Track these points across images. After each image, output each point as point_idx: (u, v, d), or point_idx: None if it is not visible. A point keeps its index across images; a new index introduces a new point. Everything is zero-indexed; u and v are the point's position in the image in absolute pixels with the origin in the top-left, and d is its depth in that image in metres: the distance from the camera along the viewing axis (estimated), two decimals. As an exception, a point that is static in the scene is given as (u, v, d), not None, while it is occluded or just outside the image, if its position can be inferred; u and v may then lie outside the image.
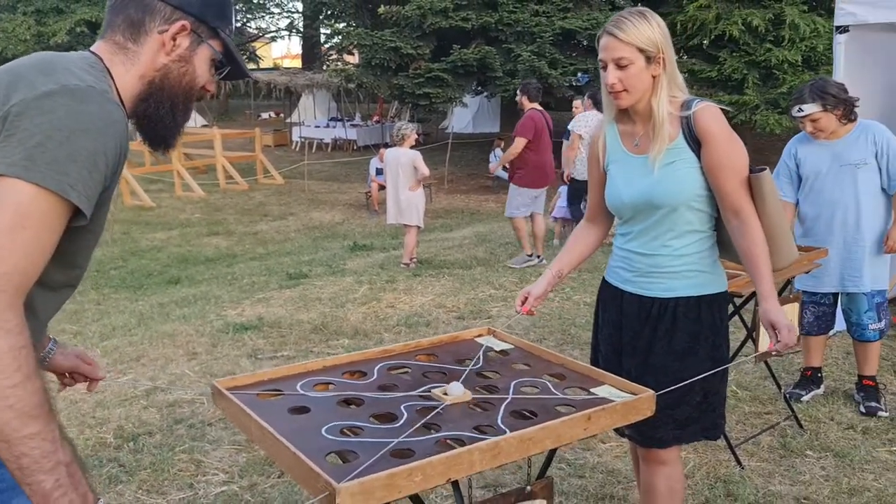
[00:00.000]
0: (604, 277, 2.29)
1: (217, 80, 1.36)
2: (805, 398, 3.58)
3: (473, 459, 1.47)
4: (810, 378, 3.65)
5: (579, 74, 14.52)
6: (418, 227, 7.49)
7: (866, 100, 4.43)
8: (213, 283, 7.61)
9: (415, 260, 7.46)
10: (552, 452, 1.75)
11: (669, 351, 2.08)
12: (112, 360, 4.71)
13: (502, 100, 17.58)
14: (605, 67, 1.98)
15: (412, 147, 7.41)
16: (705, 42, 14.41)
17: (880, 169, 3.30)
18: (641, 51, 1.93)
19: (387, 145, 15.29)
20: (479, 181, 15.58)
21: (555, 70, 13.75)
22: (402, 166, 7.29)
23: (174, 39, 1.28)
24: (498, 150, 13.58)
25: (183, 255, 9.68)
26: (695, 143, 1.97)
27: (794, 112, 3.29)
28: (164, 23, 1.27)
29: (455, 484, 1.70)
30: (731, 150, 1.95)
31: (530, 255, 7.21)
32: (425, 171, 7.29)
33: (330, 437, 1.57)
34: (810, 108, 3.23)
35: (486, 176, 15.06)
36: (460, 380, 1.86)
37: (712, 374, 2.06)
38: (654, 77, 1.96)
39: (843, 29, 4.14)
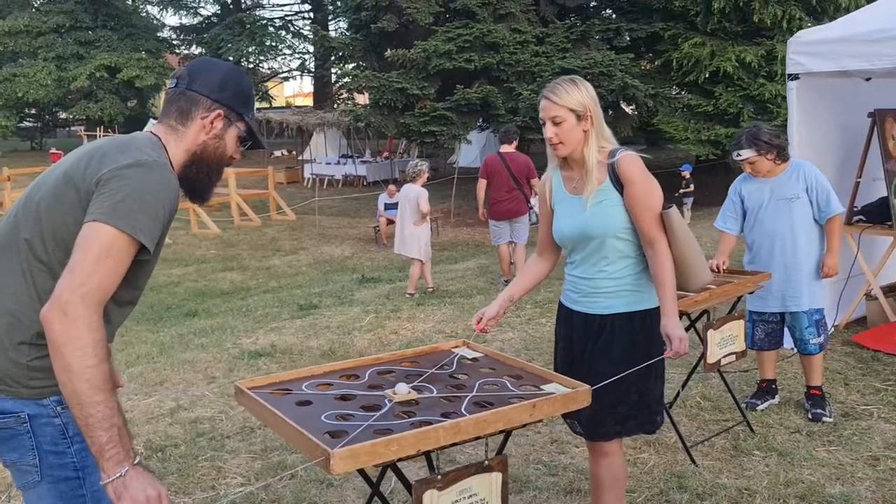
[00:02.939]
0: (560, 300, 2.73)
1: (241, 151, 1.85)
2: (760, 407, 3.98)
3: (439, 435, 1.90)
4: (765, 389, 4.05)
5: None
6: (421, 261, 7.98)
7: (821, 139, 4.90)
8: (229, 314, 8.06)
9: (431, 289, 7.96)
10: (507, 435, 2.17)
11: (609, 359, 2.51)
12: (138, 385, 5.15)
13: (496, 135, 18.16)
14: (544, 124, 2.45)
15: (424, 184, 7.98)
16: (701, 78, 14.93)
17: (811, 202, 3.75)
18: (572, 111, 2.40)
19: (395, 181, 15.90)
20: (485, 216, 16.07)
21: (555, 107, 14.27)
22: (409, 201, 7.84)
23: (212, 123, 1.77)
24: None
25: (199, 290, 10.15)
26: (619, 184, 2.43)
27: (734, 156, 3.76)
28: (205, 111, 1.76)
29: (428, 458, 2.14)
30: (646, 192, 2.40)
31: (506, 280, 7.99)
32: (424, 208, 7.84)
33: (327, 421, 2.01)
34: (747, 153, 3.72)
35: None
36: (419, 379, 2.30)
37: (644, 377, 2.49)
38: (584, 132, 2.43)
39: (794, 76, 4.61)
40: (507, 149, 7.98)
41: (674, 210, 2.42)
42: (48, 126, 38.78)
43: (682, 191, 13.44)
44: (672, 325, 2.41)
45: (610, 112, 15.74)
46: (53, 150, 24.87)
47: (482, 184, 8.02)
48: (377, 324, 6.56)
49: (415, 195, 7.83)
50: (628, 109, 17.44)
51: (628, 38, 16.31)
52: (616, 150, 2.46)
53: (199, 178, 1.79)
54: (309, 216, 15.72)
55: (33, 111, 35.44)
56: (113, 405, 1.52)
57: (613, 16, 17.55)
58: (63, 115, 36.58)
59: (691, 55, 14.69)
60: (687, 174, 13.55)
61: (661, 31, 15.38)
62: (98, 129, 27.18)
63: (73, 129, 38.17)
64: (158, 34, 34.50)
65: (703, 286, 2.59)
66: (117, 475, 1.50)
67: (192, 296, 9.84)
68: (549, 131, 2.43)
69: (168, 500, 1.57)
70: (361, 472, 2.19)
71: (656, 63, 16.91)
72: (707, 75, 14.78)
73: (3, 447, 1.64)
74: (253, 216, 15.34)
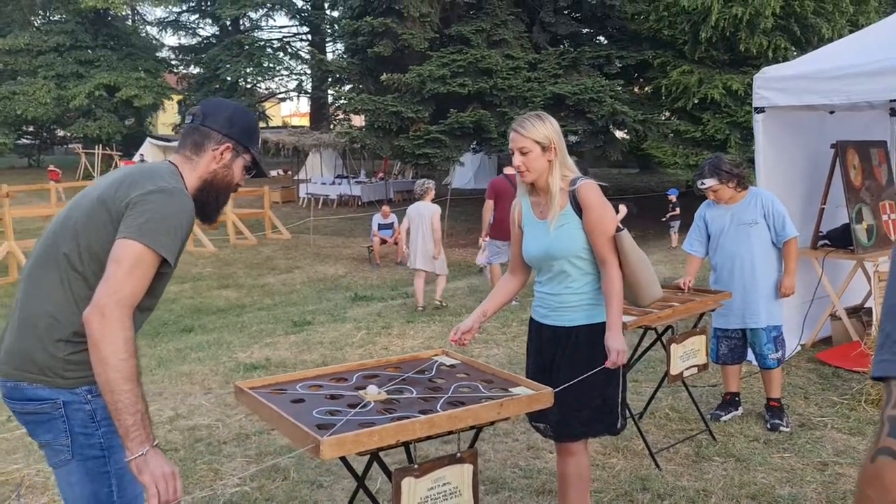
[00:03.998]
0: (530, 316, 3.01)
1: (246, 178, 2.13)
2: (724, 418, 4.25)
3: (416, 428, 2.17)
4: (729, 402, 4.33)
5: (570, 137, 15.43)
6: (441, 274, 8.44)
7: (787, 169, 5.22)
8: (225, 330, 8.29)
9: (422, 307, 8.25)
10: (478, 431, 2.44)
11: (574, 367, 2.77)
12: (138, 395, 5.38)
13: (498, 158, 18.52)
14: (513, 154, 2.74)
15: (432, 200, 8.40)
16: (689, 105, 15.31)
17: (769, 227, 4.06)
18: (538, 142, 2.70)
19: (389, 201, 16.10)
20: (477, 235, 16.35)
21: (546, 132, 14.64)
22: (423, 218, 8.20)
23: (222, 154, 2.05)
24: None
25: (195, 306, 10.37)
26: (578, 210, 2.72)
27: (698, 185, 4.07)
28: (216, 144, 2.05)
29: (407, 449, 2.40)
30: (601, 217, 2.69)
31: None
32: (437, 226, 8.20)
33: (318, 416, 2.27)
34: (709, 182, 4.03)
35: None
36: (397, 383, 2.57)
37: (606, 383, 2.76)
38: (549, 161, 2.72)
39: (760, 110, 4.93)
40: (511, 171, 8.23)
41: (625, 233, 2.71)
42: (46, 143, 39.10)
43: (669, 214, 13.75)
44: (613, 339, 2.69)
45: (601, 136, 16.14)
46: (52, 168, 25.09)
47: (489, 205, 8.13)
48: (368, 339, 6.82)
49: (429, 213, 8.19)
50: (619, 134, 17.84)
51: (619, 66, 16.72)
52: (577, 178, 2.75)
53: (208, 201, 2.08)
54: (304, 235, 15.97)
55: (31, 129, 35.75)
56: (138, 394, 1.79)
57: (605, 43, 18.00)
58: (60, 133, 36.90)
59: (680, 82, 15.07)
60: (673, 198, 13.87)
61: (651, 58, 15.78)
62: (97, 146, 27.48)
63: (70, 146, 38.48)
64: (157, 54, 34.98)
65: (652, 301, 2.87)
66: (140, 453, 1.77)
67: (188, 312, 10.06)
68: (517, 160, 2.73)
69: (179, 478, 1.83)
70: (348, 466, 2.45)
71: (646, 90, 17.34)
72: (695, 102, 15.15)
73: (40, 429, 1.91)
74: (248, 235, 15.58)
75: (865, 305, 5.72)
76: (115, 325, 1.74)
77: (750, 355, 4.32)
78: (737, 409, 4.32)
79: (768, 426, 4.10)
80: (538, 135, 2.69)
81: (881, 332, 0.91)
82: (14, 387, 1.88)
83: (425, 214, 8.20)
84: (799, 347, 5.39)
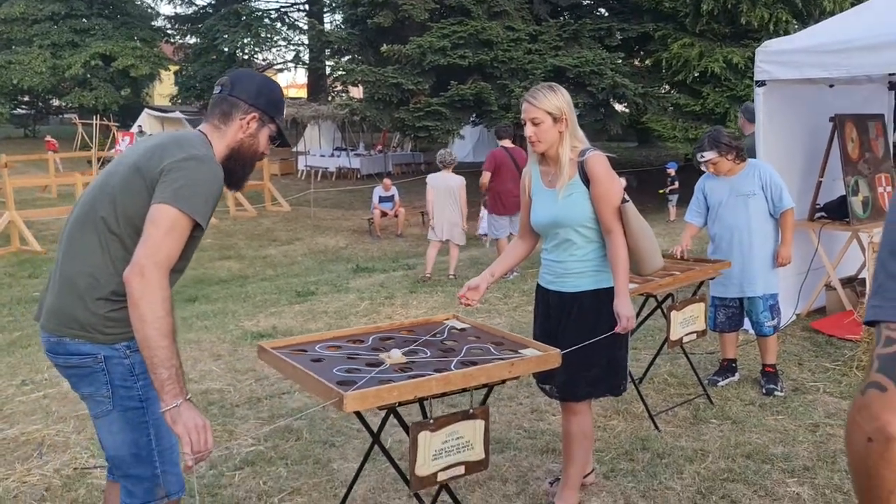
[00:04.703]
0: (537, 282, 3.12)
1: (271, 148, 2.24)
2: (721, 383, 4.39)
3: (432, 385, 2.29)
4: (726, 367, 4.47)
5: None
6: (459, 245, 8.66)
7: (787, 141, 5.31)
8: (229, 300, 8.40)
9: (424, 277, 8.39)
10: (489, 389, 2.57)
11: (579, 331, 2.89)
12: (149, 361, 5.51)
13: (496, 130, 18.49)
14: (525, 124, 2.84)
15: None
16: (689, 78, 15.31)
17: (766, 198, 4.17)
18: (549, 113, 2.79)
19: (389, 174, 16.12)
20: (476, 208, 16.42)
21: (546, 104, 14.64)
22: (450, 190, 8.30)
23: (248, 124, 2.15)
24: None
25: (198, 277, 10.47)
26: (586, 180, 2.82)
27: (698, 157, 4.17)
28: (243, 114, 2.14)
29: (422, 406, 2.53)
30: (607, 188, 2.80)
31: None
32: (463, 198, 8.39)
33: (338, 373, 2.40)
34: (709, 155, 4.13)
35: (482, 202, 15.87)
36: (412, 345, 2.69)
37: (611, 345, 2.88)
38: (560, 132, 2.82)
39: (762, 83, 5.01)
40: (508, 144, 8.32)
41: (629, 204, 2.82)
42: (41, 113, 38.86)
43: (668, 188, 13.83)
44: (622, 305, 2.81)
45: (601, 109, 16.14)
46: (48, 138, 24.95)
47: (486, 176, 8.22)
48: (372, 309, 6.94)
49: (456, 184, 8.29)
50: (619, 107, 17.83)
51: (619, 38, 16.66)
52: (586, 149, 2.85)
53: (236, 169, 2.18)
54: (303, 208, 16.03)
55: (27, 98, 35.50)
56: (174, 350, 1.90)
57: (606, 15, 17.92)
58: (56, 103, 36.65)
59: (680, 55, 15.04)
60: (672, 172, 13.94)
61: (652, 31, 15.73)
62: (94, 117, 27.30)
63: (66, 116, 38.24)
64: (153, 23, 34.61)
65: (654, 271, 2.99)
66: (174, 405, 1.89)
67: (190, 283, 10.15)
68: (528, 130, 2.82)
69: (210, 430, 1.95)
70: (364, 422, 2.58)
71: (647, 62, 17.30)
72: (695, 75, 15.14)
73: (82, 382, 2.03)
74: (248, 207, 15.63)
75: (859, 276, 5.85)
76: (154, 285, 1.85)
77: (747, 323, 4.45)
78: (733, 375, 4.47)
79: (763, 391, 4.25)
80: (550, 106, 2.79)
81: (874, 281, 1.02)
82: (57, 342, 2.00)
83: (454, 186, 8.33)
84: (794, 316, 5.53)
